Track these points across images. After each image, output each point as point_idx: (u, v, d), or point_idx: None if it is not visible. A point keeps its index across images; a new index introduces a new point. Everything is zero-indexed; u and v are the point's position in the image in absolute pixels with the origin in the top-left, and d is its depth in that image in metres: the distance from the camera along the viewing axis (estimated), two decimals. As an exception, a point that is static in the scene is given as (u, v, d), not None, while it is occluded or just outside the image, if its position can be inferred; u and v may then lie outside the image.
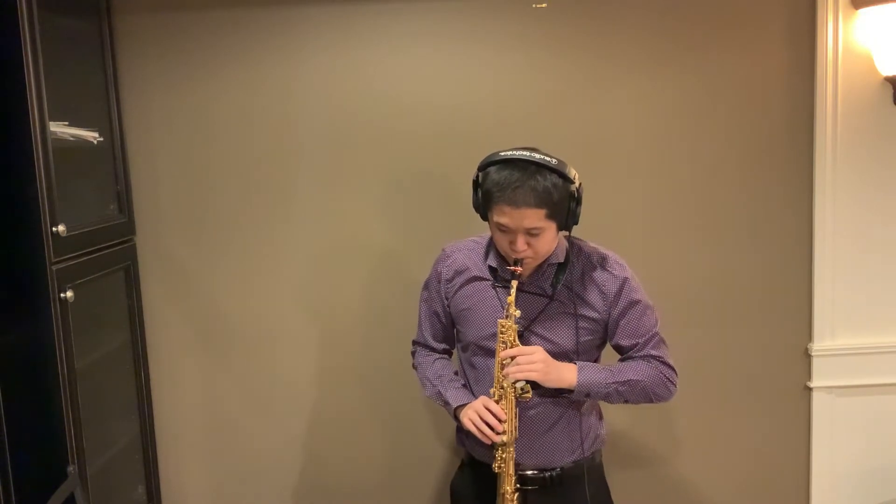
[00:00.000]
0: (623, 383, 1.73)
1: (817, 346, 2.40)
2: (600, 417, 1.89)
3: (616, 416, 2.38)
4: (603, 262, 1.77)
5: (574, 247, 1.79)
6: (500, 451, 1.71)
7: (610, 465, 1.96)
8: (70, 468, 1.87)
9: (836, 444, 2.45)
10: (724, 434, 2.47)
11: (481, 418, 1.69)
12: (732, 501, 2.50)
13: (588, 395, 1.73)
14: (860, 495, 2.48)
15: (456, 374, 1.90)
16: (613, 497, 1.92)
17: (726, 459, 2.48)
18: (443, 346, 1.95)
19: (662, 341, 1.80)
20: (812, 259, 2.38)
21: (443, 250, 1.90)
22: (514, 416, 1.70)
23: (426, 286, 1.93)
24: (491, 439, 1.69)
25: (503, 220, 1.63)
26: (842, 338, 2.40)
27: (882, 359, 2.41)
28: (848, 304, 2.39)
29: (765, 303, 2.41)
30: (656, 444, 2.48)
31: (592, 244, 1.82)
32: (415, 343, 2.00)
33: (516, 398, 1.69)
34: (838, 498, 2.48)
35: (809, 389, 2.43)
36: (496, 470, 1.73)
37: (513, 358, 1.67)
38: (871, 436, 2.45)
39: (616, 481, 1.98)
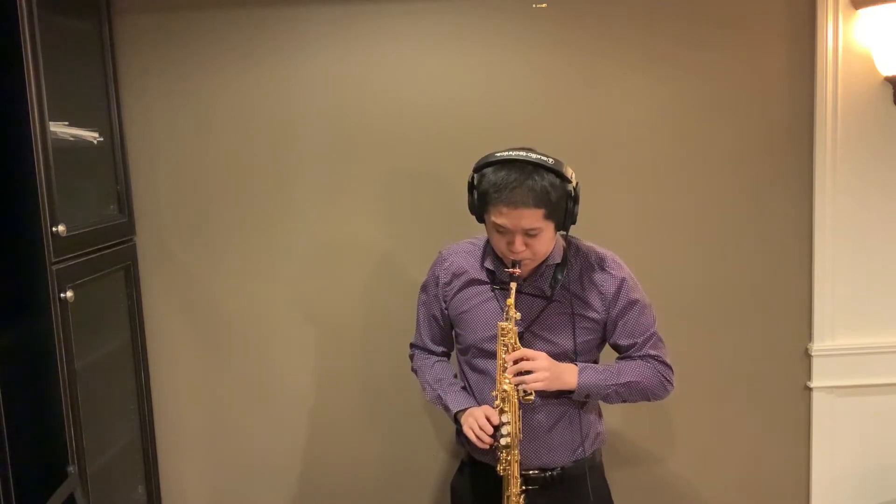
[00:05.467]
0: (622, 385, 1.74)
1: (817, 346, 2.40)
2: (600, 416, 1.89)
3: (616, 415, 2.38)
4: (601, 262, 1.77)
5: (571, 246, 1.79)
6: (504, 454, 1.71)
7: (610, 464, 1.97)
8: (70, 468, 1.87)
9: (836, 444, 2.45)
10: (724, 434, 2.47)
11: (481, 428, 1.69)
12: (732, 501, 2.50)
13: (588, 396, 1.74)
14: (860, 496, 2.48)
15: (455, 376, 1.90)
16: (614, 496, 1.92)
17: (726, 459, 2.48)
18: (441, 348, 1.95)
19: (660, 340, 1.81)
20: (812, 259, 2.38)
21: (440, 253, 1.90)
22: (517, 418, 1.69)
23: (424, 289, 1.93)
24: (487, 444, 1.69)
25: (501, 220, 1.62)
26: (842, 338, 2.40)
27: (882, 359, 2.41)
28: (848, 304, 2.39)
29: (765, 303, 2.41)
30: (656, 444, 2.48)
31: (589, 243, 1.82)
32: (412, 346, 1.99)
33: (519, 401, 1.69)
34: (838, 498, 2.48)
35: (809, 389, 2.43)
36: (501, 472, 1.72)
37: (516, 362, 1.67)
38: (872, 436, 2.45)
39: (616, 481, 1.98)
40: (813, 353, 2.41)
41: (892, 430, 2.45)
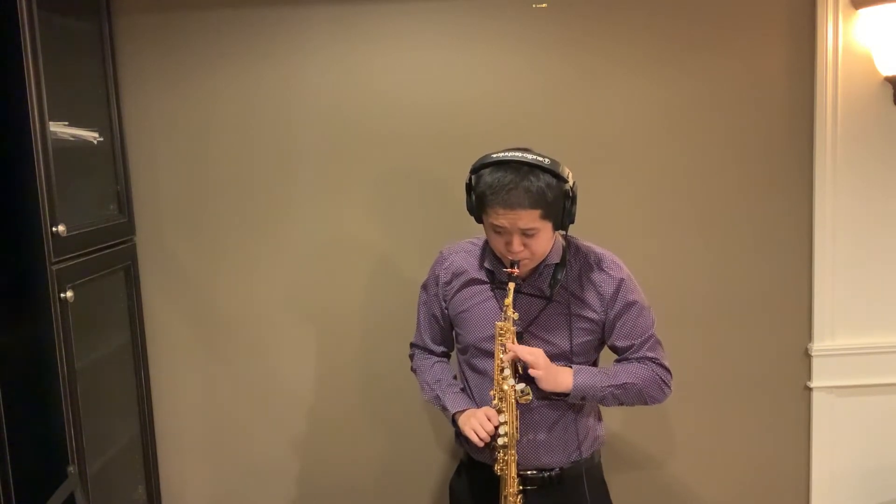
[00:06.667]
0: (618, 387, 1.74)
1: (817, 346, 2.40)
2: (599, 419, 1.89)
3: (616, 417, 2.38)
4: (599, 262, 1.77)
5: (571, 246, 1.79)
6: (501, 454, 1.71)
7: (610, 465, 1.96)
8: (70, 468, 1.87)
9: (836, 444, 2.45)
10: (724, 434, 2.47)
11: (484, 429, 1.69)
12: (733, 501, 2.50)
13: (584, 398, 1.74)
14: (860, 496, 2.48)
15: (455, 378, 1.90)
16: (613, 498, 1.92)
17: (726, 459, 2.48)
18: (441, 348, 1.95)
19: (658, 343, 1.80)
20: (812, 259, 2.38)
21: (440, 252, 1.90)
22: (514, 418, 1.69)
23: (424, 288, 1.93)
24: (484, 443, 1.70)
25: (498, 221, 1.63)
26: (842, 338, 2.40)
27: (882, 359, 2.41)
28: (848, 304, 2.39)
29: (765, 303, 2.41)
30: (656, 444, 2.48)
31: (588, 243, 1.82)
32: (413, 346, 1.99)
33: (516, 401, 1.69)
34: (838, 498, 2.48)
35: (809, 389, 2.43)
36: (498, 472, 1.73)
37: (513, 360, 1.67)
38: (871, 436, 2.45)
39: (616, 482, 1.98)
40: (813, 353, 2.40)
41: (892, 430, 2.45)
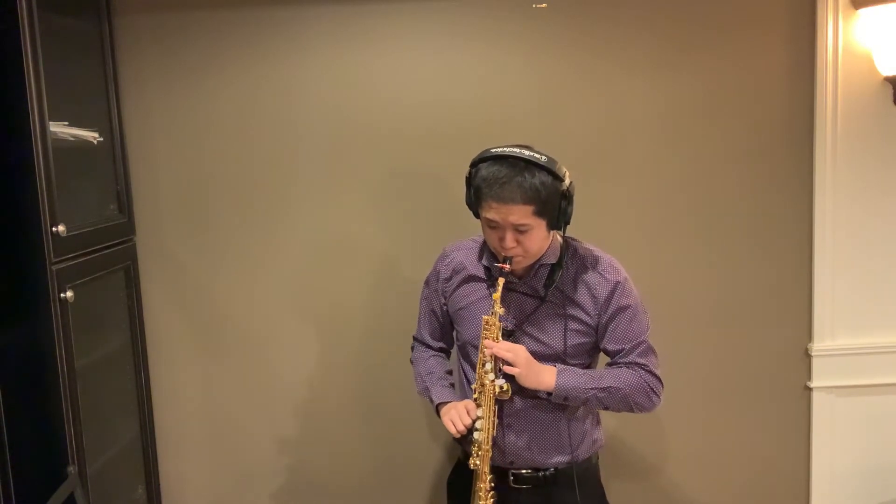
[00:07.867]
0: (602, 390, 1.71)
1: (817, 346, 2.40)
2: (597, 422, 1.88)
3: (616, 417, 2.38)
4: (596, 264, 1.76)
5: (569, 248, 1.78)
6: (475, 448, 1.71)
7: (609, 466, 1.96)
8: (70, 468, 1.87)
9: (836, 444, 2.45)
10: (724, 434, 2.47)
11: (462, 421, 1.70)
12: (732, 501, 2.50)
13: (566, 398, 1.71)
14: (860, 495, 2.48)
15: (449, 372, 1.91)
16: (612, 498, 1.91)
17: (726, 460, 2.48)
18: (439, 344, 1.96)
19: (650, 349, 1.76)
20: (812, 259, 2.38)
21: (443, 249, 1.91)
22: (491, 413, 1.69)
23: (426, 284, 1.94)
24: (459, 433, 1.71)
25: (490, 215, 1.63)
26: (842, 338, 2.40)
27: (882, 359, 2.41)
28: (848, 304, 2.39)
29: (765, 303, 2.41)
30: (655, 445, 2.48)
31: (588, 245, 1.81)
32: (414, 339, 2.01)
33: (494, 396, 1.69)
34: (838, 498, 2.48)
35: (809, 389, 2.43)
36: (472, 467, 1.73)
37: (494, 356, 1.68)
38: (871, 436, 2.45)
39: (615, 482, 1.99)
40: (813, 353, 2.40)
41: (892, 430, 2.45)
